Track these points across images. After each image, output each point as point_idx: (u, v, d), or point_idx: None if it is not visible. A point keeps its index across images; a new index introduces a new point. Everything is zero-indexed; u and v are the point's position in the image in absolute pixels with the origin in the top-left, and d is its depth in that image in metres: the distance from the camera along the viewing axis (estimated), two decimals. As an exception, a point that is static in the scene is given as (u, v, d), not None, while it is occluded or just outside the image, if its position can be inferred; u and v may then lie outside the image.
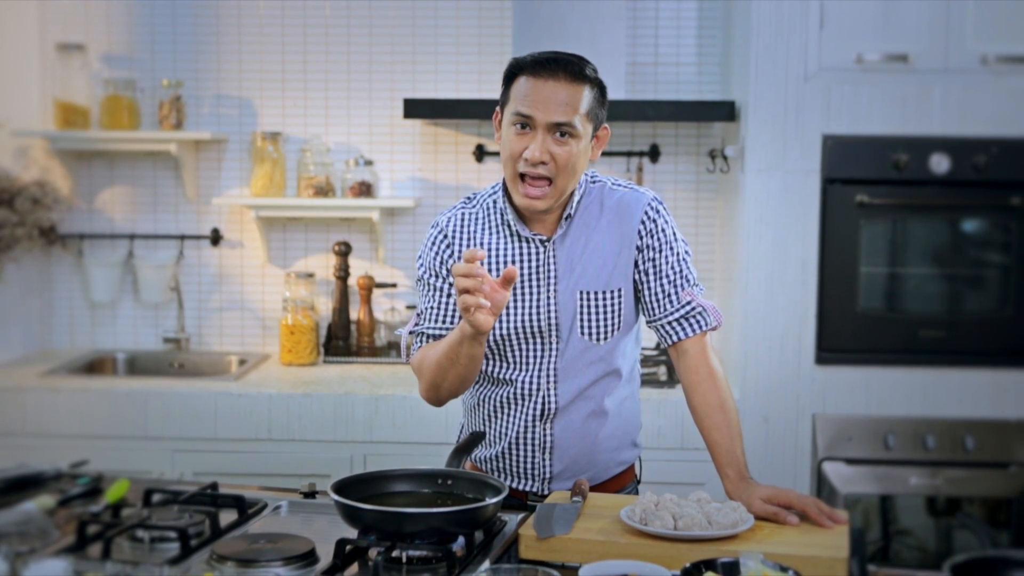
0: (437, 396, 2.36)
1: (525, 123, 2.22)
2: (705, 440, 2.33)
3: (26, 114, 4.05)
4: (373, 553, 1.95)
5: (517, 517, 2.15)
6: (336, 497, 2.00)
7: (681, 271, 2.37)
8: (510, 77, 2.26)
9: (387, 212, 4.10)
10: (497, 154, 4.06)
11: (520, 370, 2.36)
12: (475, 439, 2.41)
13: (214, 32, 4.12)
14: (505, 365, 2.37)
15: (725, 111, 3.69)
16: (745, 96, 3.54)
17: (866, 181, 3.48)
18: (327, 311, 4.13)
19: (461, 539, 1.97)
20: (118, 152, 4.14)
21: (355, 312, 4.08)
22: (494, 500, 2.02)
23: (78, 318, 4.24)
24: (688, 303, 2.35)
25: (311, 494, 2.31)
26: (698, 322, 2.36)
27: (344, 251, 4.05)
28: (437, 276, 2.37)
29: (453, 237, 2.37)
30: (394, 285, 4.11)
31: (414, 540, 1.93)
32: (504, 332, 2.33)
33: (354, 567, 1.93)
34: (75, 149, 4.09)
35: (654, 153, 4.05)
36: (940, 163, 3.46)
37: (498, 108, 2.32)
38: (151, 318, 4.22)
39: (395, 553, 1.91)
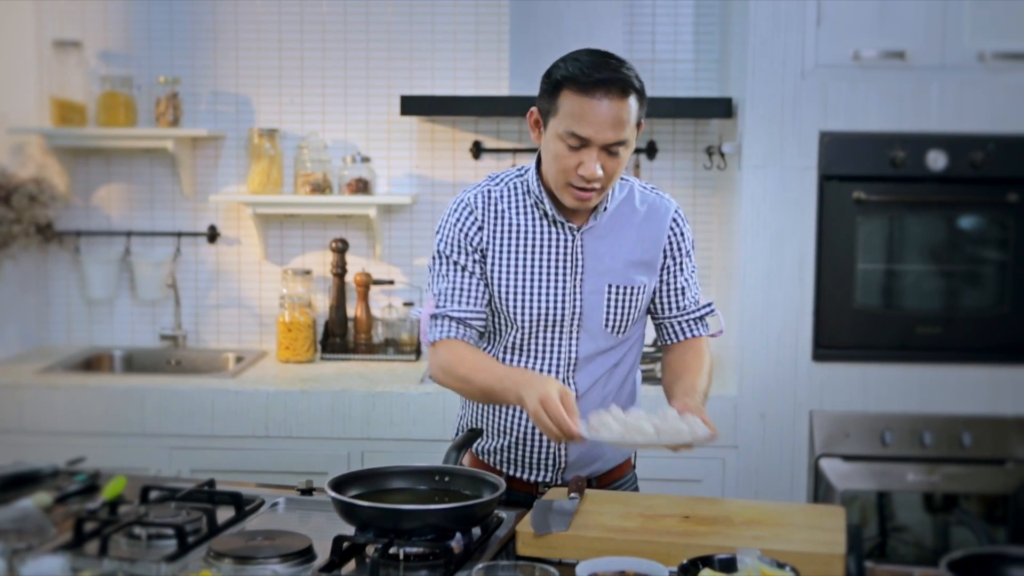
0: (449, 388, 2.39)
1: (579, 145, 2.22)
2: (668, 370, 2.42)
3: (23, 111, 4.05)
4: (370, 550, 1.95)
5: (514, 514, 2.15)
6: (333, 494, 2.00)
7: (695, 278, 2.47)
8: (555, 88, 2.24)
9: (384, 209, 4.10)
10: (494, 151, 4.06)
11: (540, 359, 2.37)
12: (473, 435, 2.41)
13: (211, 29, 4.11)
14: (525, 356, 2.37)
15: (722, 108, 3.69)
16: (742, 93, 3.54)
17: (863, 178, 3.48)
18: (324, 308, 4.13)
19: (459, 536, 1.97)
20: (115, 149, 4.13)
21: (352, 309, 4.07)
22: (491, 497, 2.02)
23: (75, 315, 4.23)
24: (707, 304, 2.47)
25: (308, 491, 2.31)
26: (707, 325, 2.47)
27: (341, 248, 4.05)
28: (461, 252, 2.35)
29: (483, 213, 2.35)
30: (391, 282, 4.10)
31: (411, 537, 1.93)
32: (528, 319, 2.34)
33: (351, 564, 1.93)
34: (72, 146, 4.09)
35: (651, 150, 4.05)
36: (937, 160, 3.46)
37: (535, 109, 2.30)
38: (148, 315, 4.22)
39: (392, 550, 1.91)
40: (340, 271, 4.06)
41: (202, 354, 4.12)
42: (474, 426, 2.48)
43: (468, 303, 2.34)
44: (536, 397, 2.11)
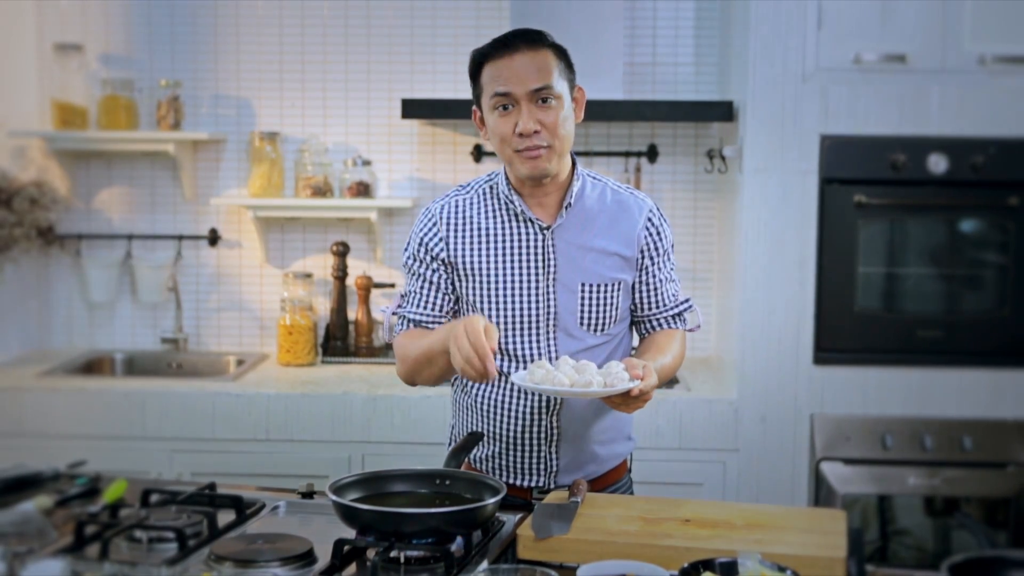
0: (412, 383, 2.41)
1: (506, 103, 2.26)
2: (638, 351, 2.43)
3: (24, 114, 4.05)
4: (371, 553, 1.95)
5: (515, 517, 2.15)
6: (334, 497, 2.00)
7: (674, 275, 2.49)
8: (476, 70, 2.32)
9: (385, 212, 4.10)
10: (495, 154, 4.05)
11: (521, 360, 2.36)
12: (473, 439, 2.41)
13: (212, 32, 4.12)
14: (506, 357, 2.37)
15: (723, 111, 3.69)
16: (743, 96, 3.54)
17: (864, 181, 3.48)
18: (325, 311, 4.13)
19: (459, 539, 1.97)
20: (116, 152, 4.13)
21: (353, 312, 4.07)
22: (492, 500, 2.02)
23: (76, 318, 4.24)
24: (685, 300, 2.48)
25: (309, 494, 2.31)
26: (685, 320, 2.50)
27: (342, 251, 4.05)
28: (420, 262, 2.40)
29: (447, 223, 2.38)
30: (392, 285, 4.11)
31: (412, 540, 1.93)
32: (504, 320, 2.34)
33: (352, 567, 1.93)
34: (73, 149, 4.09)
35: (652, 153, 4.05)
36: (938, 163, 3.46)
37: (474, 107, 2.36)
38: (149, 318, 4.22)
39: (393, 553, 1.91)
40: (341, 274, 4.06)
41: (203, 357, 4.12)
42: (479, 432, 2.48)
43: (425, 307, 2.40)
44: (460, 324, 2.11)
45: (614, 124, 4.04)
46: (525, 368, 2.32)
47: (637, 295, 2.43)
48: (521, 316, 2.35)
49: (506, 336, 2.36)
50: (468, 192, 2.42)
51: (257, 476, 3.45)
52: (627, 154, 4.03)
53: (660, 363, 2.31)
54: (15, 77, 4.03)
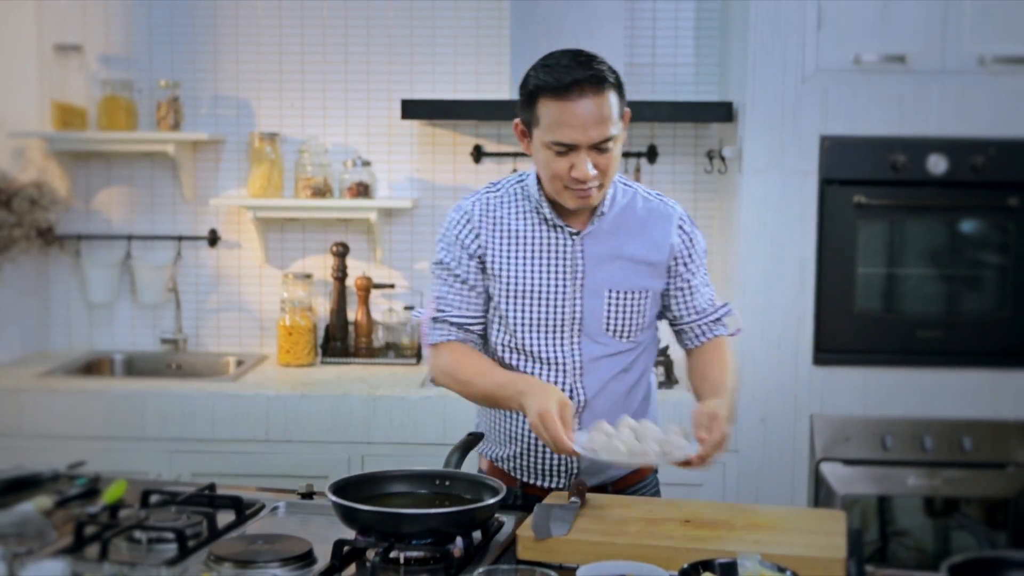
0: (451, 390, 2.40)
1: (566, 149, 2.22)
2: (694, 372, 2.44)
3: (23, 115, 4.05)
4: (371, 554, 1.94)
5: (515, 518, 2.15)
6: (334, 498, 2.00)
7: (708, 279, 2.49)
8: (531, 98, 2.24)
9: (385, 213, 4.10)
10: (495, 155, 4.06)
11: (544, 363, 2.36)
12: (472, 440, 2.41)
13: (211, 33, 4.12)
14: (530, 359, 2.37)
15: (723, 112, 3.69)
16: (743, 97, 3.54)
17: (864, 182, 3.48)
18: (325, 312, 4.13)
19: (459, 540, 1.97)
20: (115, 153, 4.13)
21: (353, 313, 4.07)
22: (491, 501, 2.02)
23: (76, 319, 4.24)
24: (724, 305, 2.49)
25: (309, 495, 2.31)
26: (725, 325, 2.49)
27: (342, 252, 4.05)
28: (460, 262, 2.37)
29: (480, 221, 2.36)
30: (392, 286, 4.11)
31: (412, 541, 1.93)
32: (528, 323, 2.34)
33: (352, 568, 1.93)
34: (72, 150, 4.09)
35: (652, 154, 4.05)
36: (938, 164, 3.46)
37: (519, 121, 2.30)
38: (148, 319, 4.22)
39: (393, 554, 1.91)
40: (341, 275, 4.06)
41: (202, 358, 4.12)
42: (479, 432, 2.49)
43: (467, 309, 2.37)
44: (536, 411, 2.12)
45: (614, 125, 4.03)
46: (547, 368, 2.34)
47: (674, 303, 2.43)
48: (546, 319, 2.34)
49: (530, 338, 2.35)
50: (498, 191, 2.40)
51: (257, 477, 3.45)
52: (627, 155, 4.03)
53: (725, 402, 2.29)
54: (15, 78, 4.03)
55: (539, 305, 2.34)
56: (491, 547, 2.03)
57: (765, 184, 3.49)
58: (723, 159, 3.84)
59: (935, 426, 3.49)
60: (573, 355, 2.35)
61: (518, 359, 2.38)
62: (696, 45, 4.04)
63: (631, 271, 2.36)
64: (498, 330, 2.38)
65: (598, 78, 2.19)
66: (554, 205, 2.34)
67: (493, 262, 2.35)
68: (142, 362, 4.12)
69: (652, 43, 4.04)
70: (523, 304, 2.34)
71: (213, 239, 4.18)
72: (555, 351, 2.35)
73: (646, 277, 2.37)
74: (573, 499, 2.15)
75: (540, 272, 2.34)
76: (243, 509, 2.20)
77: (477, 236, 2.36)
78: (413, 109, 3.83)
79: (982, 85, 3.42)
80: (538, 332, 2.35)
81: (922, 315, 3.54)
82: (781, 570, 1.79)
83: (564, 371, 2.36)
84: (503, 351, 2.39)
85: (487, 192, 2.41)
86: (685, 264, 2.41)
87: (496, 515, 2.11)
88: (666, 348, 3.92)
